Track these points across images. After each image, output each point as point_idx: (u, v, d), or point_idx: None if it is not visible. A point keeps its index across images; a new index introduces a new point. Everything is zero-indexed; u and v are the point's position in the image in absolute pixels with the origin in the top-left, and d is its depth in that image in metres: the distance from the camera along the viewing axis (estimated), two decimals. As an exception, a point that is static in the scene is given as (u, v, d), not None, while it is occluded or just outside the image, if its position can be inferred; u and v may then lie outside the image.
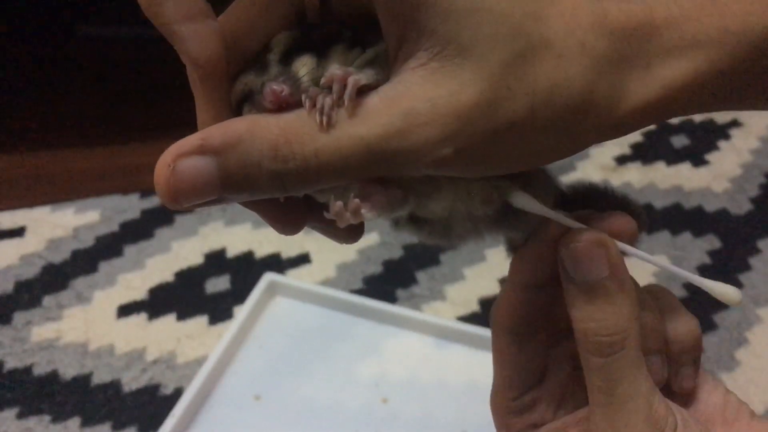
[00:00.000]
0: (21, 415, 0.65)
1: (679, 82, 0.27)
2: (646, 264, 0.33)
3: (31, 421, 0.65)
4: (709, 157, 0.93)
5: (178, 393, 0.66)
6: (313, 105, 0.26)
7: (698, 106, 0.29)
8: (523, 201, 0.32)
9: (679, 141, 0.95)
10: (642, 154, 0.93)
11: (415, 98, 0.26)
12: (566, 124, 0.27)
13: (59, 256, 0.80)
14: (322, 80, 0.27)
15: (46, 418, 0.65)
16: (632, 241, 0.32)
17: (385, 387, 0.66)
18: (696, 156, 0.93)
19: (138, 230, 0.83)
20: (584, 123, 0.27)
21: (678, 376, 0.35)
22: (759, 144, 0.95)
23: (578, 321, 0.31)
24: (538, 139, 0.27)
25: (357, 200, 0.28)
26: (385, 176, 0.29)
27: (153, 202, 0.87)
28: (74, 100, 1.02)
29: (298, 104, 0.27)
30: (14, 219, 0.85)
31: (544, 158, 0.29)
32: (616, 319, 0.31)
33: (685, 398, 0.35)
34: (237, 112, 0.29)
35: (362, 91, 0.26)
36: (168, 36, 0.27)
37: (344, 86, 0.26)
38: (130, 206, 0.86)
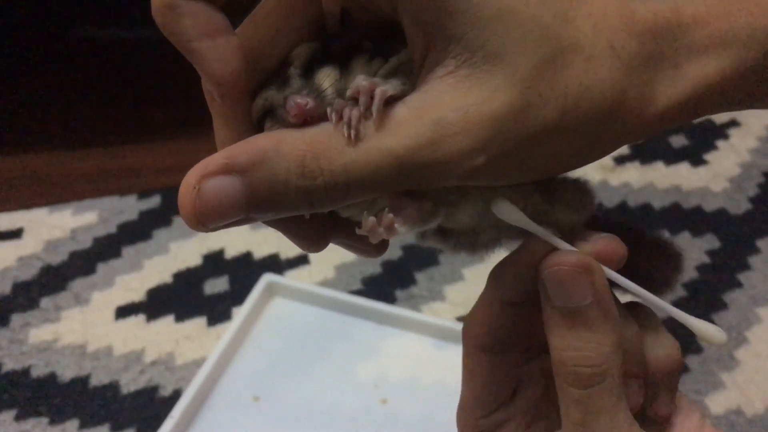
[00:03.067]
0: (19, 417, 0.65)
1: (709, 81, 0.27)
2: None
3: (30, 423, 0.65)
4: (707, 156, 0.93)
5: (176, 394, 0.66)
6: (340, 118, 0.25)
7: (727, 104, 0.28)
8: (506, 211, 0.30)
9: (678, 141, 0.95)
10: (640, 153, 0.93)
11: (444, 107, 0.25)
12: (597, 127, 0.26)
13: (57, 258, 0.80)
14: (349, 92, 0.26)
15: (45, 420, 0.65)
16: (619, 266, 0.31)
17: (384, 388, 0.65)
18: (694, 156, 0.93)
19: (136, 231, 0.83)
20: (615, 125, 0.26)
21: (655, 402, 0.33)
22: (757, 143, 0.95)
23: (557, 349, 0.30)
24: (568, 143, 0.26)
25: (391, 215, 0.28)
26: (413, 188, 0.28)
27: (151, 203, 0.87)
28: (71, 102, 1.02)
29: (323, 117, 0.26)
30: (12, 220, 0.84)
31: (575, 162, 0.28)
32: (598, 349, 0.29)
33: (660, 424, 0.33)
34: (258, 128, 0.28)
35: (388, 102, 0.26)
36: (187, 54, 0.26)
37: (371, 98, 0.25)
38: (128, 207, 0.86)
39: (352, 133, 0.25)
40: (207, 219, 0.25)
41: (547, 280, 0.30)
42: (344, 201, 0.26)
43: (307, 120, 0.26)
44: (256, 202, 0.25)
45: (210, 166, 0.25)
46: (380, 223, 0.28)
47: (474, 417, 0.36)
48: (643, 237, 0.37)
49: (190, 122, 0.94)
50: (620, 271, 0.31)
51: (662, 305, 0.31)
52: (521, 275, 0.32)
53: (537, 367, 0.36)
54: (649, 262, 0.36)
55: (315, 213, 0.28)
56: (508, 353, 0.35)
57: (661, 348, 0.32)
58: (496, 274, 0.34)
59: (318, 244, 0.32)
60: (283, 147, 0.25)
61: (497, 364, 0.35)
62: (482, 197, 0.30)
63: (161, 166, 0.92)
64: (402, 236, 0.29)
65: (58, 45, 1.11)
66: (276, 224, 0.30)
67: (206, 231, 0.26)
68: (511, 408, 0.36)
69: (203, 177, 0.25)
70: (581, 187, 0.34)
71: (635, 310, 0.33)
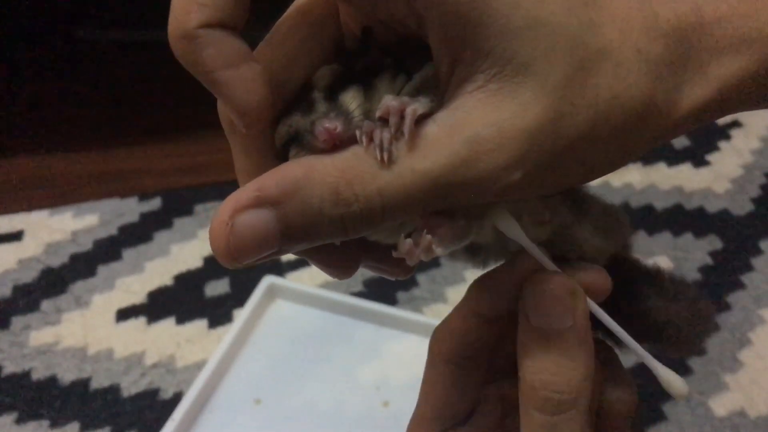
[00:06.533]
0: (20, 421, 0.65)
1: (733, 80, 0.27)
2: None
3: (30, 426, 0.64)
4: (709, 157, 0.93)
5: (177, 397, 0.66)
6: (370, 140, 0.25)
7: (751, 103, 0.28)
8: (507, 226, 0.29)
9: (680, 142, 0.95)
10: (642, 154, 0.93)
11: (477, 123, 0.24)
12: (627, 132, 0.26)
13: (58, 260, 0.80)
14: (378, 112, 0.25)
15: (45, 423, 0.65)
16: (601, 299, 0.31)
17: (386, 390, 0.65)
18: (697, 157, 0.93)
19: (137, 234, 0.83)
20: (644, 129, 0.26)
21: None
22: (760, 144, 0.94)
23: (528, 371, 0.29)
24: (600, 150, 0.26)
25: (429, 237, 0.27)
26: (448, 207, 0.27)
27: (151, 205, 0.86)
28: (72, 104, 1.02)
29: (352, 140, 0.25)
30: (12, 223, 0.84)
31: (605, 169, 0.28)
32: (571, 375, 0.28)
33: None
34: (282, 155, 0.28)
35: (418, 121, 0.25)
36: (209, 84, 0.25)
37: (401, 117, 0.25)
38: (129, 210, 0.86)
39: (385, 155, 0.24)
40: (242, 255, 0.25)
41: (530, 297, 0.29)
42: (379, 225, 0.25)
43: (336, 144, 0.25)
44: (290, 234, 0.25)
45: (242, 200, 0.24)
46: (418, 245, 0.27)
47: (428, 431, 0.35)
48: (679, 290, 0.36)
49: (191, 125, 0.94)
50: (648, 320, 0.31)
51: (634, 346, 0.31)
52: (503, 290, 0.31)
53: (495, 391, 0.35)
54: (682, 321, 0.35)
55: (346, 239, 0.27)
56: (471, 371, 0.34)
57: (619, 389, 0.32)
58: (477, 287, 0.33)
59: (348, 270, 0.31)
60: (314, 175, 0.24)
61: (459, 379, 0.34)
62: (509, 206, 0.30)
63: (162, 168, 0.92)
64: (441, 255, 0.28)
65: (59, 48, 1.11)
66: (305, 253, 0.29)
67: (239, 267, 0.25)
68: (466, 428, 0.35)
69: (235, 212, 0.24)
70: (612, 213, 0.34)
71: (598, 346, 0.32)
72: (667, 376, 0.30)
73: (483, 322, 0.33)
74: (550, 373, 0.29)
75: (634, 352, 0.31)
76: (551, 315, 0.29)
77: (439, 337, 0.35)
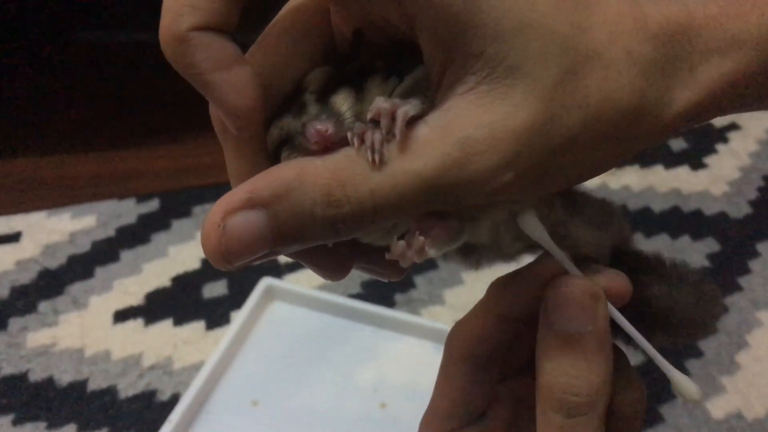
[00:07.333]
0: (16, 422, 0.65)
1: (723, 83, 0.27)
2: None
3: (27, 428, 0.64)
4: (707, 160, 0.93)
5: (174, 399, 0.66)
6: (362, 142, 0.25)
7: (741, 105, 0.28)
8: (530, 226, 0.30)
9: (678, 144, 0.95)
10: (640, 157, 0.93)
11: (468, 125, 0.24)
12: (618, 134, 0.26)
13: (55, 262, 0.80)
14: (369, 114, 0.25)
15: (42, 424, 0.65)
16: (621, 304, 0.31)
17: (383, 392, 0.65)
18: (694, 159, 0.93)
19: (134, 235, 0.83)
20: (635, 130, 0.26)
21: None
22: (757, 147, 0.95)
23: (547, 373, 0.29)
24: (592, 151, 0.26)
25: (422, 238, 0.27)
26: (440, 209, 0.27)
27: (149, 207, 0.86)
28: (70, 106, 1.02)
29: (343, 142, 0.25)
30: (10, 224, 0.84)
31: (597, 170, 0.28)
32: (590, 379, 0.29)
33: None
34: (273, 157, 0.28)
35: (409, 122, 0.25)
36: (201, 87, 0.25)
37: (392, 119, 0.25)
38: (127, 211, 0.86)
39: (377, 157, 0.24)
40: (233, 256, 0.25)
41: (552, 300, 0.30)
42: (371, 227, 0.26)
43: (328, 146, 0.25)
44: (282, 236, 0.25)
45: (233, 202, 0.25)
46: (410, 247, 0.27)
47: (441, 428, 0.35)
48: (681, 274, 0.36)
49: (189, 126, 0.94)
50: (653, 308, 0.32)
51: (650, 350, 0.31)
52: (525, 291, 0.32)
53: (509, 389, 0.35)
54: (688, 304, 0.35)
55: (338, 241, 0.27)
56: (487, 369, 0.34)
57: (630, 391, 0.32)
58: (498, 286, 0.33)
59: (340, 272, 0.31)
60: (306, 177, 0.25)
61: (474, 378, 0.34)
62: (503, 210, 0.30)
63: (160, 169, 0.92)
64: (435, 257, 0.28)
65: (57, 49, 1.11)
66: (298, 255, 0.29)
67: (232, 269, 0.25)
68: (479, 427, 0.35)
69: (227, 213, 0.24)
70: (606, 208, 0.34)
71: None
72: (680, 380, 0.30)
73: (501, 322, 0.33)
74: (569, 376, 0.29)
75: (651, 356, 0.31)
76: (572, 318, 0.29)
77: (456, 335, 0.35)
